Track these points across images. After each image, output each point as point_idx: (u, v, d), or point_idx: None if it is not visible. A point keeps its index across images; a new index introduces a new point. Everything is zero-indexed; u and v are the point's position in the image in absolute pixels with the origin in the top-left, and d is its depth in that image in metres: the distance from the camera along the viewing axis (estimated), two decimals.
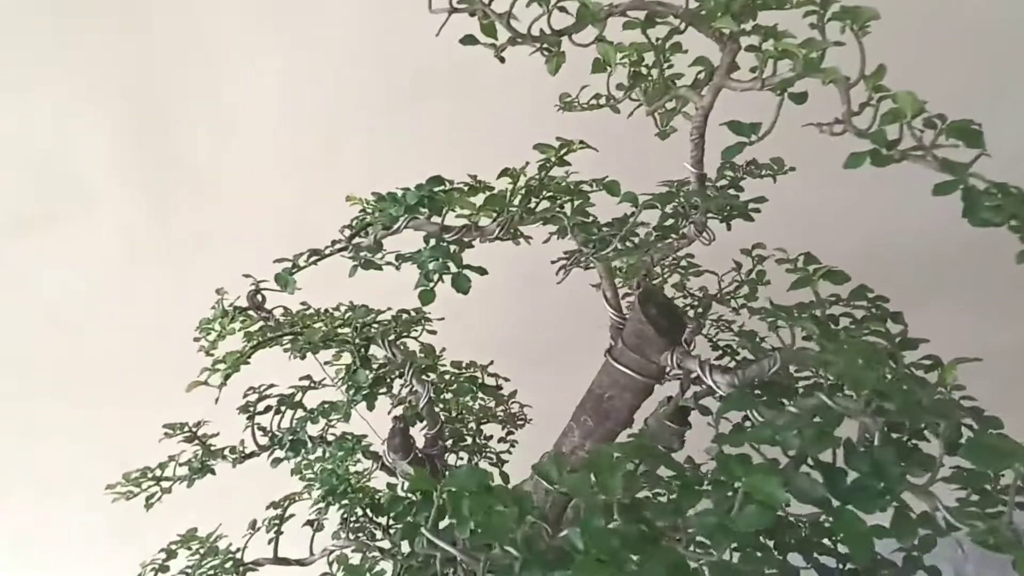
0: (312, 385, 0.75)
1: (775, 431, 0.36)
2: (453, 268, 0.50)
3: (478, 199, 0.53)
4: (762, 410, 0.41)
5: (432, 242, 0.53)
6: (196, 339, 0.74)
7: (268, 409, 0.74)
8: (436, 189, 0.52)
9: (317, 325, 0.69)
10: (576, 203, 0.53)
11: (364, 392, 0.61)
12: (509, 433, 0.85)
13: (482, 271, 0.51)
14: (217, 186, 1.07)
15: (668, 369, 0.52)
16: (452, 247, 0.51)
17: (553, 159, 0.53)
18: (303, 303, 0.75)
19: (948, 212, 0.37)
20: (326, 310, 0.75)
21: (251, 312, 0.72)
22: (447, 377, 0.67)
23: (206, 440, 0.75)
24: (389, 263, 0.58)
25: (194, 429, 0.75)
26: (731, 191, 0.53)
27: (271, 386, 0.76)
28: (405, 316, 0.65)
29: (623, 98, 0.52)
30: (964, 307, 1.15)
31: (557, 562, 0.33)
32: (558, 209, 0.53)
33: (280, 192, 1.09)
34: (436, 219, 0.55)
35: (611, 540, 0.32)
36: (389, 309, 0.69)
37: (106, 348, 1.14)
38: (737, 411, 0.42)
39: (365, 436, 0.71)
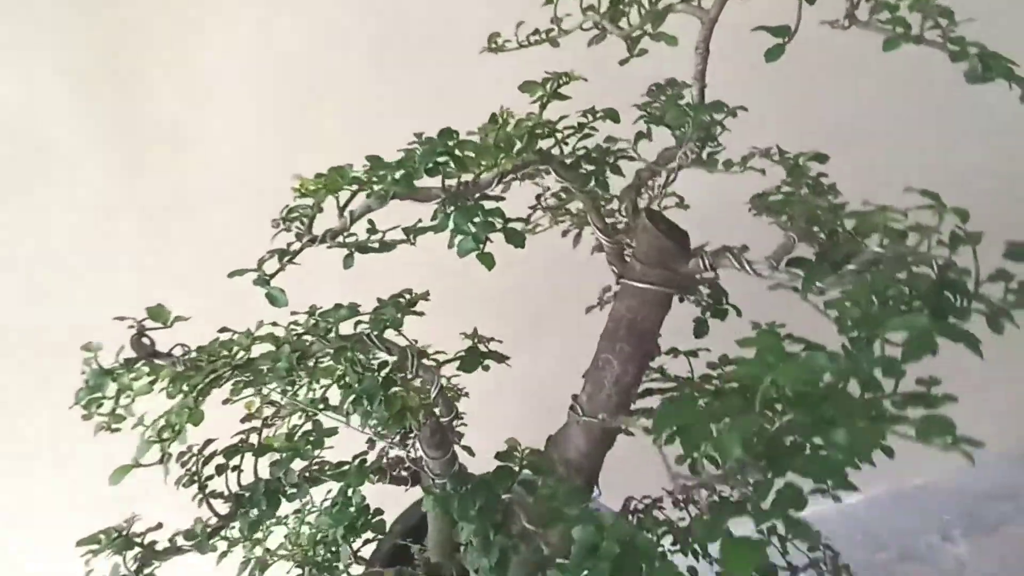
0: (266, 422, 0.62)
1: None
2: (499, 224, 0.46)
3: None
4: (822, 281, 0.47)
5: (447, 206, 0.47)
6: (85, 417, 0.55)
7: (221, 470, 0.59)
8: (451, 143, 0.46)
9: (266, 346, 0.56)
10: (578, 139, 0.52)
11: (381, 399, 0.53)
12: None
13: (526, 221, 0.48)
14: (193, 147, 1.00)
15: (697, 274, 0.55)
16: (482, 205, 0.47)
17: (548, 95, 0.51)
18: (222, 329, 0.60)
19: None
20: (248, 331, 0.61)
21: (146, 362, 0.57)
22: (440, 358, 0.61)
23: (143, 539, 0.57)
24: (394, 242, 0.50)
25: (123, 531, 0.56)
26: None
27: (208, 442, 0.61)
28: (397, 301, 0.57)
29: (598, 23, 0.52)
30: None
31: None
32: (562, 145, 0.52)
33: (259, 153, 0.99)
34: (434, 181, 0.49)
35: None
36: (359, 306, 0.59)
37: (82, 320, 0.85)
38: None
39: (366, 454, 0.61)
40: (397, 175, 0.46)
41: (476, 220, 0.45)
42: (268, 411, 0.66)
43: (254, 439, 0.61)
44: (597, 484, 0.63)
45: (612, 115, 0.53)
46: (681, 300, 0.74)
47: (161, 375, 0.55)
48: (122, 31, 0.94)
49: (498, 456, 0.60)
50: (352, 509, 0.59)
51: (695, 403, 0.36)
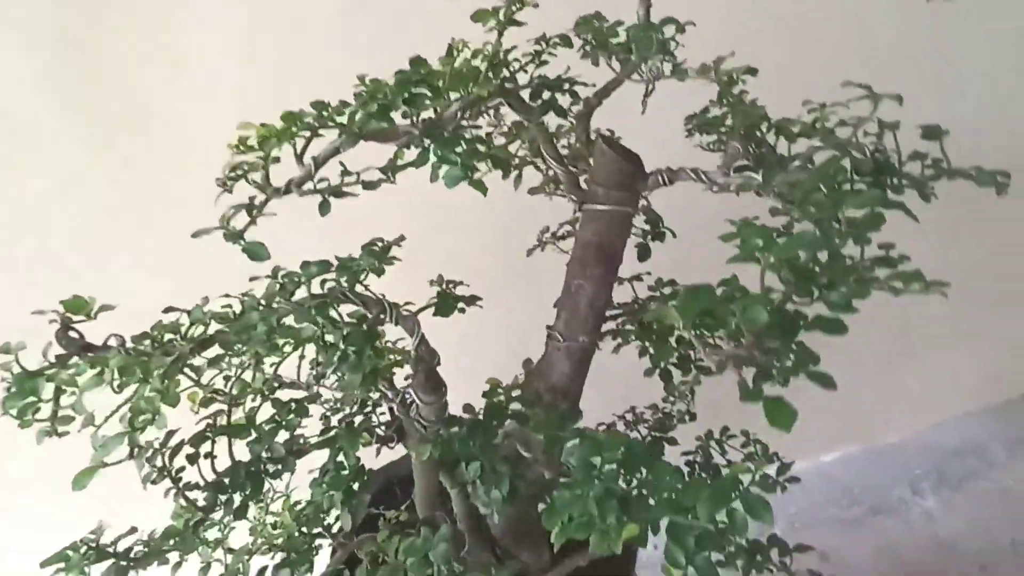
0: (236, 402, 0.57)
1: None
2: (484, 150, 0.45)
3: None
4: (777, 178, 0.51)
5: (422, 141, 0.46)
6: (23, 425, 0.49)
7: (193, 460, 0.54)
8: (424, 72, 0.44)
9: (238, 318, 0.51)
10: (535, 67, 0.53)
11: (369, 353, 0.51)
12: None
13: (506, 152, 0.47)
14: (167, 121, 0.96)
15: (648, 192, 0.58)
16: (461, 134, 0.46)
17: (502, 22, 0.50)
18: (169, 309, 0.55)
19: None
20: (199, 307, 0.56)
21: (79, 357, 0.51)
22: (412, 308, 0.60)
23: (115, 547, 0.51)
24: (372, 183, 0.48)
25: (93, 541, 0.50)
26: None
27: (170, 434, 0.55)
28: (372, 249, 0.54)
29: None
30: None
31: None
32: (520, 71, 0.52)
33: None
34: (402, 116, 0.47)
35: None
36: (330, 264, 0.56)
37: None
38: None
39: (354, 414, 0.59)
40: (372, 108, 0.44)
41: (459, 149, 0.45)
42: (219, 398, 0.61)
43: (222, 422, 0.56)
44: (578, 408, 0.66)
45: (566, 41, 0.54)
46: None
47: (110, 364, 0.50)
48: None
49: (485, 395, 0.60)
50: (346, 472, 0.57)
51: (713, 289, 0.38)
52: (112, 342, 0.52)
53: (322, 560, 0.69)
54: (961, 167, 0.50)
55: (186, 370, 0.56)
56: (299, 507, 0.68)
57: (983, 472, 1.40)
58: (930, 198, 0.49)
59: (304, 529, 0.66)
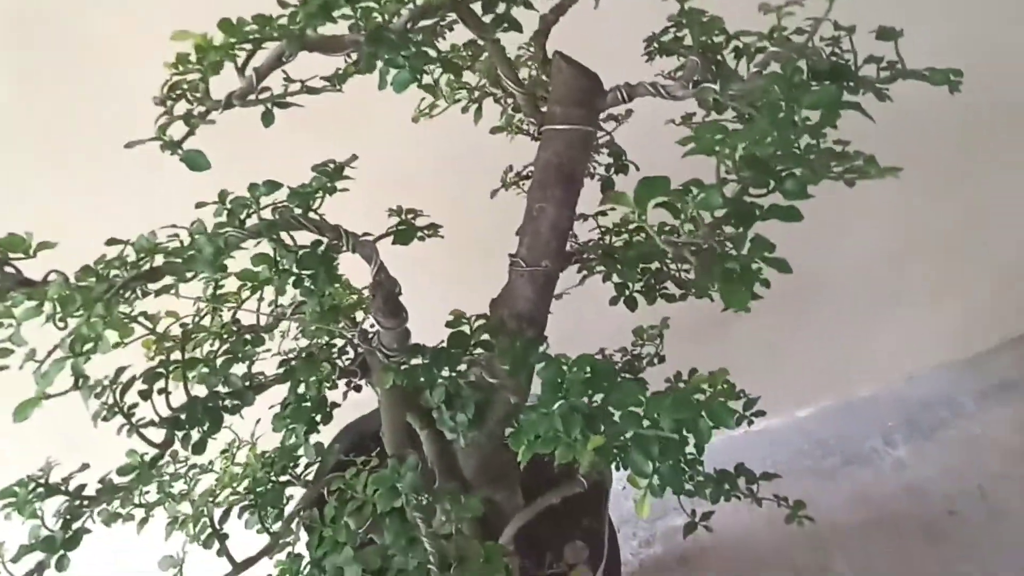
0: (190, 332, 0.55)
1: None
2: (433, 53, 0.43)
3: None
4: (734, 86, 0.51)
5: (368, 47, 0.43)
6: None
7: (145, 395, 0.52)
8: None
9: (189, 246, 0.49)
10: None
11: (326, 272, 0.49)
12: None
13: (457, 64, 0.45)
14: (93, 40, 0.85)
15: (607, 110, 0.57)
16: (409, 38, 0.44)
17: None
18: (110, 241, 0.52)
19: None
20: (144, 236, 0.53)
21: (16, 292, 0.49)
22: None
23: (67, 485, 0.49)
24: (317, 89, 0.46)
25: (41, 478, 0.48)
26: None
27: (120, 369, 0.53)
28: (324, 170, 0.52)
29: None
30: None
31: None
32: None
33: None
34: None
35: None
36: (279, 185, 0.53)
37: None
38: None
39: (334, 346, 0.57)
40: (313, 9, 0.41)
41: (406, 53, 0.43)
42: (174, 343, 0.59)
43: (176, 357, 0.54)
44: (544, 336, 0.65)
45: None
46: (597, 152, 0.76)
47: (49, 295, 0.47)
48: None
49: (448, 324, 0.59)
50: (307, 404, 0.56)
51: (668, 180, 0.38)
52: (53, 277, 0.49)
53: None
54: (915, 68, 0.50)
55: (140, 318, 0.55)
56: (265, 455, 0.66)
57: (952, 422, 1.43)
58: (885, 99, 0.49)
59: (271, 473, 0.65)
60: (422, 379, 0.54)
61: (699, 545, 1.26)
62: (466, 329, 0.59)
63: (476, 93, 0.68)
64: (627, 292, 0.66)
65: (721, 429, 0.45)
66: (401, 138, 0.80)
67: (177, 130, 0.42)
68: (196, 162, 0.41)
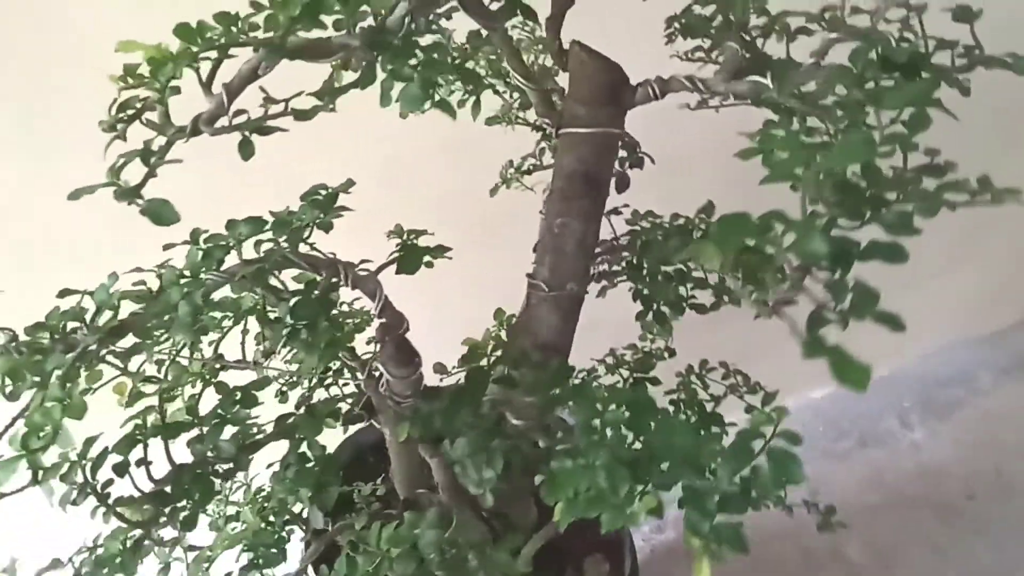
0: (164, 395, 0.48)
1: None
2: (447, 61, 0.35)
3: None
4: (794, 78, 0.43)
5: (367, 54, 0.35)
6: None
7: (120, 469, 0.45)
8: None
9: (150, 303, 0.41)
10: None
11: (326, 325, 0.42)
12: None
13: (472, 72, 0.37)
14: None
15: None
16: (416, 42, 0.36)
17: None
18: (65, 292, 0.44)
19: None
20: (105, 285, 0.45)
21: None
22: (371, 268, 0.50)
23: None
24: (302, 112, 0.37)
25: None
26: None
27: (90, 441, 0.46)
28: (315, 199, 0.44)
29: None
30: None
31: None
32: None
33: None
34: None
35: None
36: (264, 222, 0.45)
37: None
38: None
39: (311, 399, 0.50)
40: (295, 11, 0.33)
41: (414, 62, 0.35)
42: (150, 388, 0.51)
43: (153, 419, 0.47)
44: None
45: None
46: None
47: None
48: None
49: (464, 359, 0.52)
50: (312, 464, 0.49)
51: (748, 217, 0.31)
52: None
53: (294, 548, 0.62)
54: (995, 55, 0.44)
55: (109, 357, 0.47)
56: (262, 497, 0.60)
57: (969, 401, 1.39)
58: (969, 91, 0.42)
59: (272, 520, 0.58)
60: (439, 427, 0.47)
61: None
62: (484, 363, 0.52)
63: (472, 85, 0.60)
64: (655, 307, 0.60)
65: None
66: (393, 127, 0.72)
67: (133, 172, 0.34)
68: (160, 215, 0.33)
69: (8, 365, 0.39)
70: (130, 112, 0.38)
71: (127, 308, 0.43)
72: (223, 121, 0.36)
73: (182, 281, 0.41)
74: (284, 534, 0.59)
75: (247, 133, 0.36)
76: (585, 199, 0.51)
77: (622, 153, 0.69)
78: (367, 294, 0.47)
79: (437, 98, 0.35)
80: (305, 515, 0.59)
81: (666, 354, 0.86)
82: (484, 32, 0.53)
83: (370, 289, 0.47)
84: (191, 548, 0.54)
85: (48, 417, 0.36)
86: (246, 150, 0.36)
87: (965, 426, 1.35)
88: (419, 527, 0.50)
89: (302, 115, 0.36)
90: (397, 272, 0.51)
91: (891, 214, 0.32)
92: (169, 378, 0.46)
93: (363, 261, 0.51)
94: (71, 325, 0.42)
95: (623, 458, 0.45)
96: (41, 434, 0.36)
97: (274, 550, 0.57)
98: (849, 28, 0.44)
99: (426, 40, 0.38)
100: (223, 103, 0.37)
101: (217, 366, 0.54)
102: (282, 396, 0.60)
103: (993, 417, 1.36)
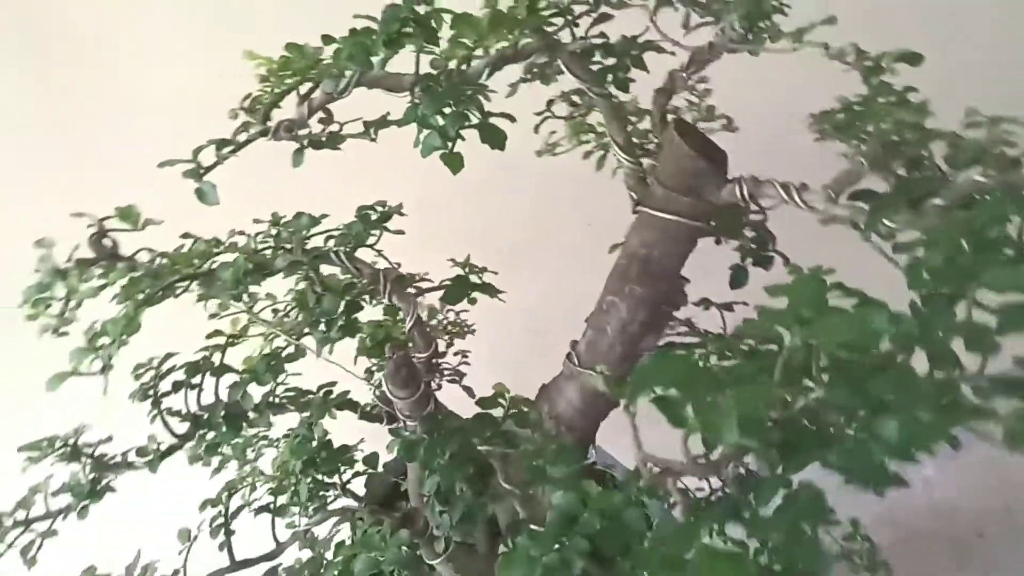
0: (231, 341, 0.56)
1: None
2: (474, 118, 0.36)
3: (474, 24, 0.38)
4: (894, 217, 0.35)
5: (421, 91, 0.37)
6: (30, 316, 0.51)
7: (178, 386, 0.54)
8: (421, 9, 0.36)
9: (229, 256, 0.49)
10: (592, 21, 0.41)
11: (340, 325, 0.45)
12: (449, 345, 0.74)
13: (510, 117, 0.38)
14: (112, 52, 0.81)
15: (734, 206, 0.44)
16: (461, 89, 0.37)
17: None
18: (184, 235, 0.54)
19: None
20: (217, 240, 0.54)
21: (104, 263, 0.51)
22: (423, 285, 0.53)
23: (93, 451, 0.53)
24: (351, 137, 0.41)
25: (73, 440, 0.52)
26: None
27: (168, 356, 0.56)
28: (366, 215, 0.49)
29: None
30: None
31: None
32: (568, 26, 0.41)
33: (191, 56, 0.82)
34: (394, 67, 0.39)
35: None
36: (326, 216, 0.51)
37: None
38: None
39: (335, 383, 0.55)
40: (350, 50, 0.36)
41: (447, 111, 0.36)
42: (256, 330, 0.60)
43: (217, 358, 0.55)
44: (594, 444, 0.55)
45: None
46: (718, 242, 0.63)
47: (110, 279, 0.50)
48: None
49: (479, 403, 0.52)
50: (313, 444, 0.53)
51: (691, 361, 0.26)
52: (142, 256, 0.52)
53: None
54: None
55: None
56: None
57: (978, 439, 1.15)
58: None
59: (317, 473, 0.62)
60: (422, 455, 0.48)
61: None
62: (498, 412, 0.52)
63: (601, 137, 0.58)
64: None
65: None
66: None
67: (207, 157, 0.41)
68: (206, 196, 0.39)
69: (121, 276, 0.49)
70: (256, 107, 0.46)
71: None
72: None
73: (253, 248, 0.48)
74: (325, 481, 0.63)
75: (305, 143, 0.40)
76: (639, 284, 0.47)
77: (751, 241, 0.61)
78: (403, 310, 0.50)
79: (451, 149, 0.35)
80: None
81: None
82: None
83: (407, 307, 0.49)
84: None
85: (115, 328, 0.45)
86: (298, 158, 0.40)
87: (975, 465, 1.25)
88: (388, 542, 0.52)
89: (335, 139, 0.39)
90: (441, 299, 0.52)
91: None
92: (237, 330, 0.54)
93: (422, 276, 0.54)
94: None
95: (570, 563, 0.41)
96: (102, 338, 0.45)
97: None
98: (1005, 171, 0.34)
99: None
100: (305, 115, 0.42)
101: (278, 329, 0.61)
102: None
103: (1004, 456, 1.01)
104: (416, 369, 0.48)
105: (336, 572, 0.54)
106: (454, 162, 0.35)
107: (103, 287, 0.50)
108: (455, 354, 0.75)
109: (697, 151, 0.43)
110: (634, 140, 0.50)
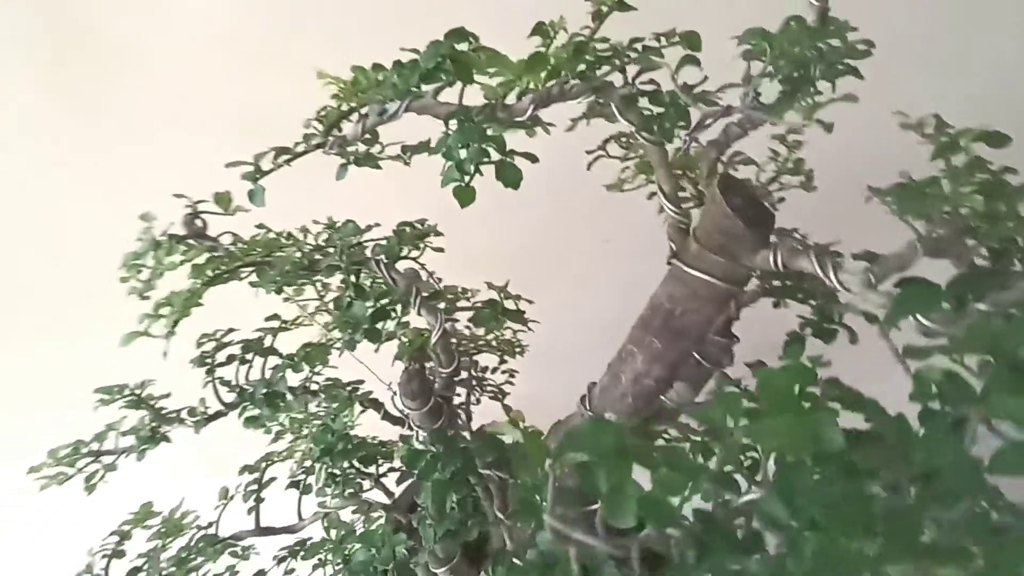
0: (283, 326, 0.61)
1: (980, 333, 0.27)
2: (495, 155, 0.37)
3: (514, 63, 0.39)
4: (937, 314, 0.32)
5: (455, 123, 0.39)
6: (124, 279, 0.58)
7: (231, 359, 0.59)
8: (458, 47, 0.38)
9: (287, 251, 0.54)
10: (635, 63, 0.41)
11: (365, 328, 0.48)
12: (503, 362, 0.75)
13: (532, 158, 0.38)
14: (147, 66, 0.83)
15: (758, 272, 0.42)
16: (486, 126, 0.38)
17: (609, 3, 0.40)
18: (259, 225, 0.60)
19: None
20: (289, 233, 0.60)
21: (191, 240, 0.57)
22: (457, 304, 0.55)
23: (155, 403, 0.60)
24: (389, 159, 0.44)
25: (138, 391, 0.60)
26: None
27: (230, 331, 0.62)
28: (407, 230, 0.52)
29: None
30: None
31: (751, 546, 0.23)
32: (617, 70, 0.41)
33: (227, 72, 0.84)
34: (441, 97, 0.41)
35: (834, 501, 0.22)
36: (377, 225, 0.55)
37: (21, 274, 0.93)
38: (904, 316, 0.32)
39: (362, 382, 0.58)
40: (395, 80, 0.39)
41: (471, 146, 0.37)
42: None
43: (269, 340, 0.60)
44: None
45: (693, 41, 0.40)
46: (776, 305, 0.59)
47: (189, 255, 0.56)
48: None
49: (488, 427, 0.53)
50: (331, 436, 0.57)
51: (621, 433, 0.25)
52: (225, 238, 0.59)
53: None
54: None
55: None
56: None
57: None
58: None
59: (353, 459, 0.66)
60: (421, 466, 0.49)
61: None
62: (506, 439, 0.52)
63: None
64: None
65: None
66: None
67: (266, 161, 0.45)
68: (255, 196, 0.43)
69: (197, 255, 0.56)
70: (327, 120, 0.50)
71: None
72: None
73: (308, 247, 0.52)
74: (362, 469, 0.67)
75: (350, 159, 0.43)
76: (659, 339, 0.45)
77: (815, 311, 0.57)
78: (429, 323, 0.51)
79: (467, 183, 0.36)
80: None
81: None
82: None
83: (433, 321, 0.51)
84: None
85: (177, 300, 0.51)
86: (342, 172, 0.43)
87: None
88: (386, 540, 0.54)
89: (367, 159, 0.42)
90: (470, 322, 0.54)
91: None
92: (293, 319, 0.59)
93: (464, 291, 0.56)
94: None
95: None
96: (163, 308, 0.51)
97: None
98: None
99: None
100: (359, 133, 0.45)
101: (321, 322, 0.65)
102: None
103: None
104: (428, 383, 0.50)
105: (340, 558, 0.57)
106: (464, 196, 0.36)
107: (183, 262, 0.57)
108: (503, 372, 0.76)
109: (736, 209, 0.41)
110: (684, 190, 0.48)
